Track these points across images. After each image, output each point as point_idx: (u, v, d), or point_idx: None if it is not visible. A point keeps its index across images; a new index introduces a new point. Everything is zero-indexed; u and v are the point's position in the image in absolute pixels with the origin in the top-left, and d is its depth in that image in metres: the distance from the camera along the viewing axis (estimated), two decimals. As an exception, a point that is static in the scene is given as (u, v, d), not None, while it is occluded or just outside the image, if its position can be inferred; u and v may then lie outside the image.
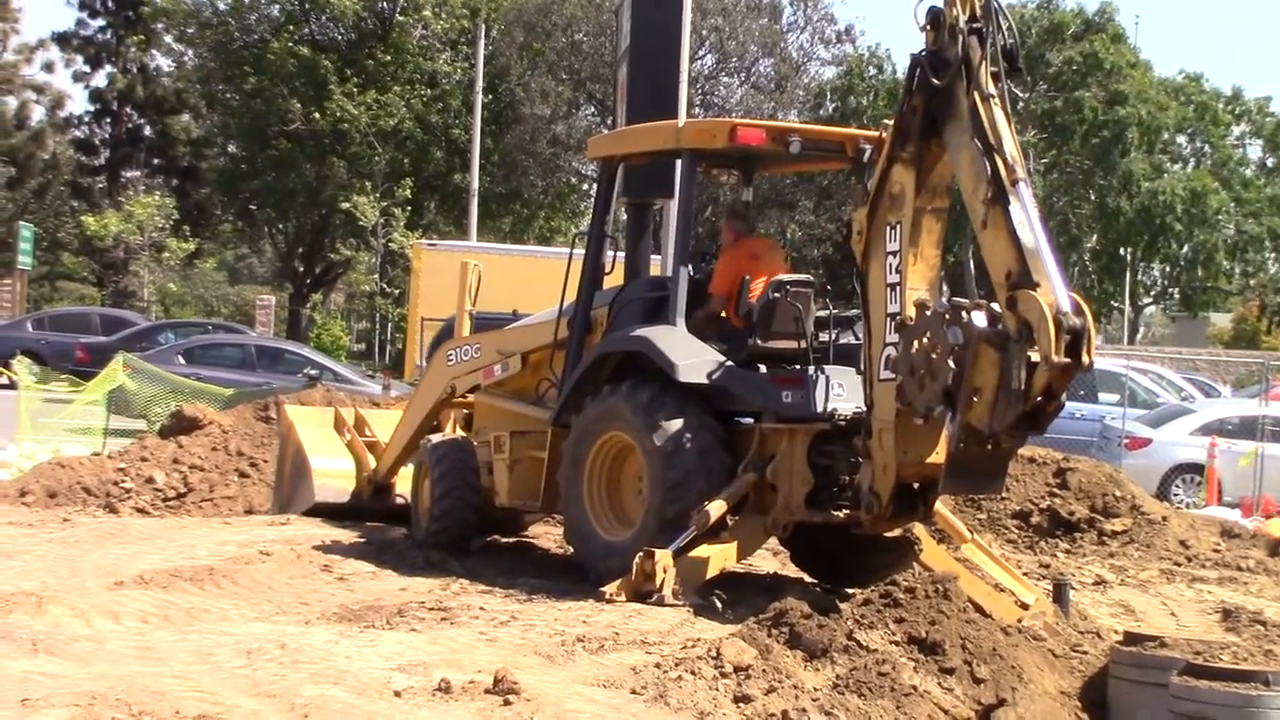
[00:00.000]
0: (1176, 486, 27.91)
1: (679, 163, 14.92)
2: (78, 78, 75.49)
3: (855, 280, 13.01)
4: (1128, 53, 65.39)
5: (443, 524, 15.57)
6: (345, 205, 57.91)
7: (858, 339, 13.48)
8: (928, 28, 12.24)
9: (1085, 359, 11.26)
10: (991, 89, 11.95)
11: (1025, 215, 11.53)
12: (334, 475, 17.69)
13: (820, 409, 13.47)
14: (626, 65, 23.04)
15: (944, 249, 12.87)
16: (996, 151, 11.72)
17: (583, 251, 15.05)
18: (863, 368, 12.95)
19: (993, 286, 11.72)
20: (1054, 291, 11.23)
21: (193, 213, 70.46)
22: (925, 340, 11.78)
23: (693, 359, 13.54)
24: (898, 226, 12.41)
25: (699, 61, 59.10)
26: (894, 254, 12.44)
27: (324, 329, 60.02)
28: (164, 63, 75.49)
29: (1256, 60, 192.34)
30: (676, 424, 13.38)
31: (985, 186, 11.68)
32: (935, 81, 12.12)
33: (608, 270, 15.06)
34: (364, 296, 65.90)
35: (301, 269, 69.88)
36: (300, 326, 63.36)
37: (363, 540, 15.86)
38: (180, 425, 20.46)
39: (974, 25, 12.01)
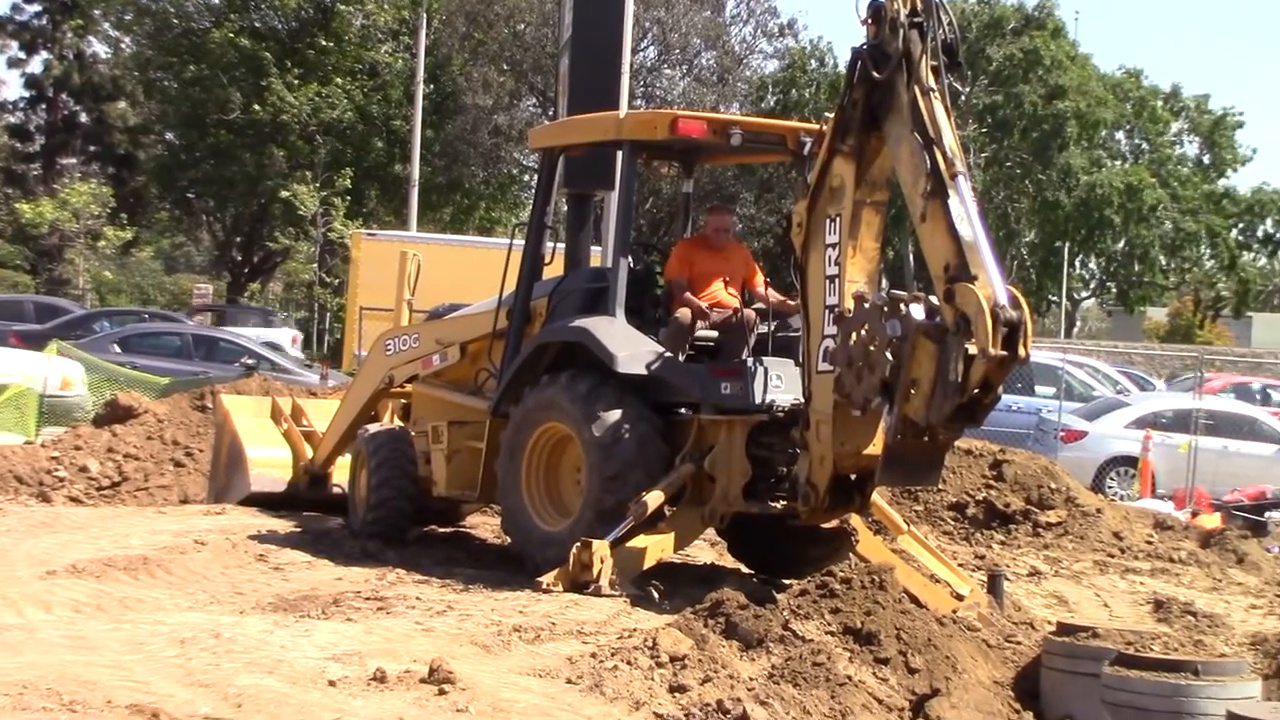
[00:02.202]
0: (1111, 479, 28.11)
1: (620, 154, 14.89)
2: (13, 64, 74.81)
3: (794, 273, 13.02)
4: (1067, 47, 65.81)
5: (379, 514, 15.53)
6: (285, 194, 57.68)
7: (796, 331, 13.49)
8: (869, 21, 12.26)
9: (1022, 352, 11.31)
10: (932, 83, 11.98)
11: (964, 209, 11.56)
12: (270, 465, 17.61)
13: (758, 400, 13.49)
14: (568, 56, 23.03)
15: (883, 242, 12.91)
16: (936, 145, 11.75)
17: (522, 242, 15.03)
18: (801, 360, 12.96)
19: (931, 279, 11.75)
20: (991, 284, 11.27)
21: (129, 200, 70.01)
22: (863, 333, 11.80)
23: (631, 350, 13.53)
24: (837, 219, 12.42)
25: (641, 53, 59.13)
26: (833, 246, 12.45)
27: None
28: (101, 49, 75.02)
29: (1195, 58, 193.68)
30: (615, 415, 13.38)
31: (924, 180, 11.71)
32: (876, 75, 12.14)
33: (547, 261, 15.04)
34: (302, 286, 65.65)
35: (239, 258, 69.64)
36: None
37: (299, 530, 15.81)
38: (115, 414, 20.35)
39: (915, 19, 12.03)
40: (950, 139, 11.84)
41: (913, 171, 11.86)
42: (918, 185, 11.77)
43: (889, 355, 11.57)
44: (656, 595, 12.89)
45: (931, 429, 11.62)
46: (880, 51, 12.17)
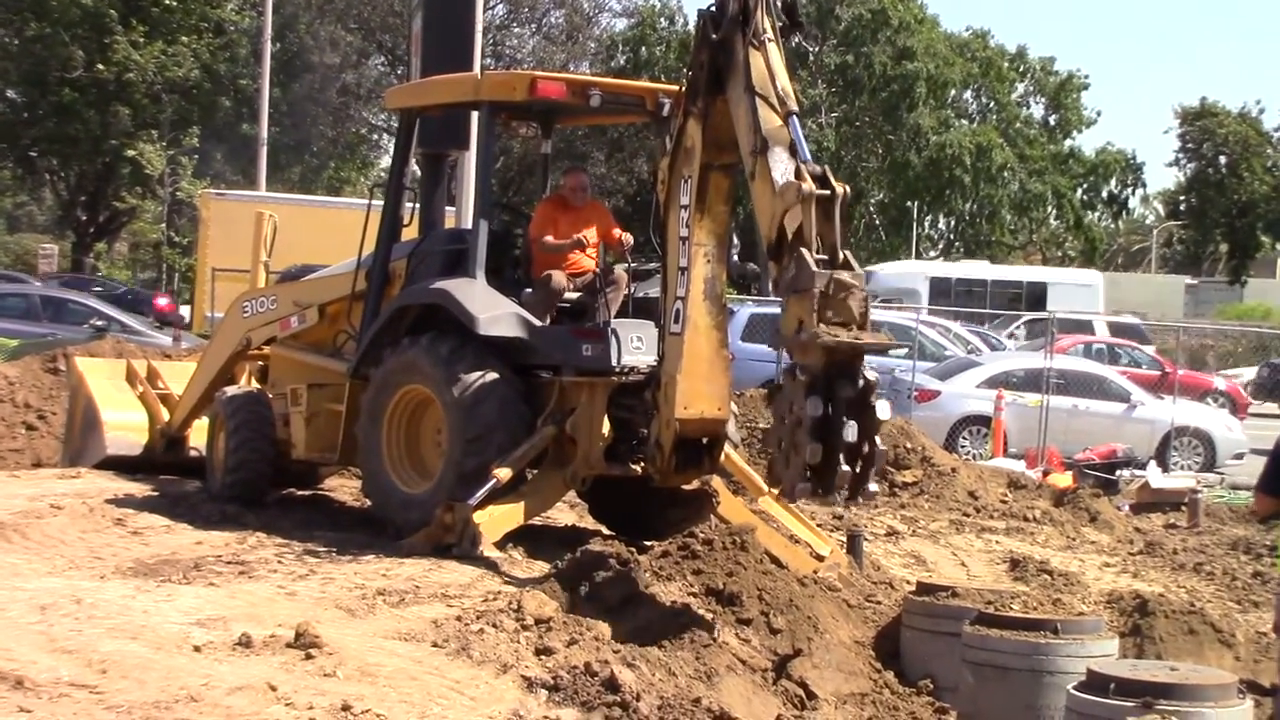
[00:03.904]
0: (964, 438, 28.39)
1: (476, 115, 14.84)
2: None
3: (653, 232, 13.05)
4: (915, 9, 66.27)
5: (238, 476, 15.42)
6: (130, 153, 56.88)
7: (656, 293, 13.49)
8: (713, -18, 12.23)
9: (838, 187, 11.13)
10: (767, 29, 11.87)
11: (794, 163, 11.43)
12: (126, 428, 17.42)
13: (619, 362, 13.51)
14: (421, 15, 22.89)
15: (733, 205, 12.92)
16: (765, 98, 11.65)
17: (380, 203, 14.95)
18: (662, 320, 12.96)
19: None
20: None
21: (-31, 160, 68.76)
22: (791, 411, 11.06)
23: (493, 312, 13.51)
24: (689, 180, 12.44)
25: (490, 11, 58.87)
26: (686, 208, 12.47)
27: (109, 279, 58.89)
28: (-63, 7, 73.44)
29: (1041, 19, 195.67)
30: (476, 377, 13.34)
31: (753, 137, 11.63)
32: (713, 36, 12.11)
33: (406, 222, 14.98)
34: (150, 246, 64.83)
35: (85, 217, 68.54)
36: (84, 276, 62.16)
37: (156, 494, 15.65)
38: (-38, 377, 20.05)
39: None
40: (783, 80, 11.72)
41: (747, 132, 11.79)
42: (747, 144, 11.72)
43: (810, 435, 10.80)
44: (519, 558, 12.91)
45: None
46: (721, 12, 12.16)
